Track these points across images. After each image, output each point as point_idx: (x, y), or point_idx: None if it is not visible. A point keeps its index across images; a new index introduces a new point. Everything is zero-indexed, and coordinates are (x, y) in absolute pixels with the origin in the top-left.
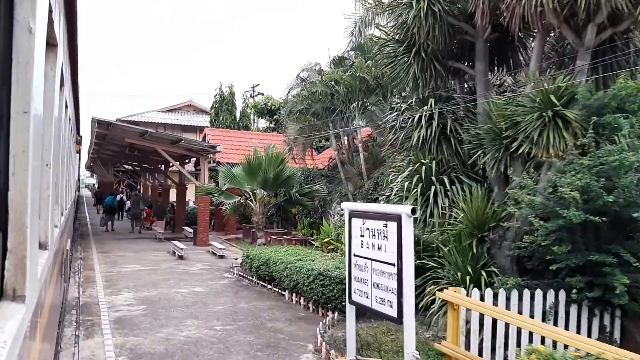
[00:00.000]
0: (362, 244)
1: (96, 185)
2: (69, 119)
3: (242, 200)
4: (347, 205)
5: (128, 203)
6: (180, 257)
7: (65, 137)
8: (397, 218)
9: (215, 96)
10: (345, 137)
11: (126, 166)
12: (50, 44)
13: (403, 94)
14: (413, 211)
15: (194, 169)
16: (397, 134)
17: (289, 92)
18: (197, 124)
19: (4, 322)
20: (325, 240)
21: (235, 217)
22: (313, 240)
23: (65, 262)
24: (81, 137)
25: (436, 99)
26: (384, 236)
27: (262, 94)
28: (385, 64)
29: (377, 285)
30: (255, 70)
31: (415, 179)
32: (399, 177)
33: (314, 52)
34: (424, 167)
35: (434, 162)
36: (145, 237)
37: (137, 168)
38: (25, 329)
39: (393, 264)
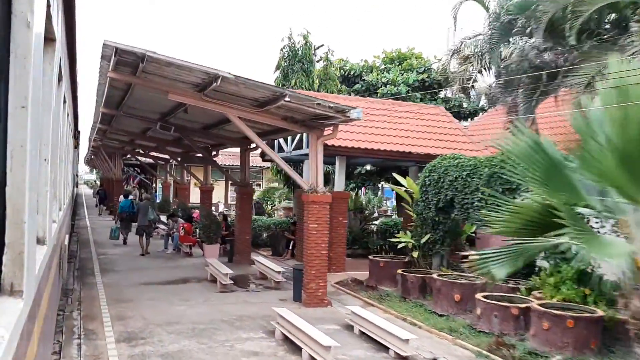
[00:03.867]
0: None
1: (98, 182)
2: (67, 114)
3: None
4: None
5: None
6: None
7: (64, 132)
8: None
9: (282, 49)
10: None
11: (141, 158)
12: (49, 39)
13: None
14: None
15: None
16: None
17: None
18: None
19: (2, 317)
20: None
21: (344, 237)
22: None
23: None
24: (79, 132)
25: None
26: None
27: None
28: None
29: None
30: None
31: None
32: None
33: None
34: None
35: None
36: (191, 274)
37: (159, 160)
38: (23, 323)
39: None
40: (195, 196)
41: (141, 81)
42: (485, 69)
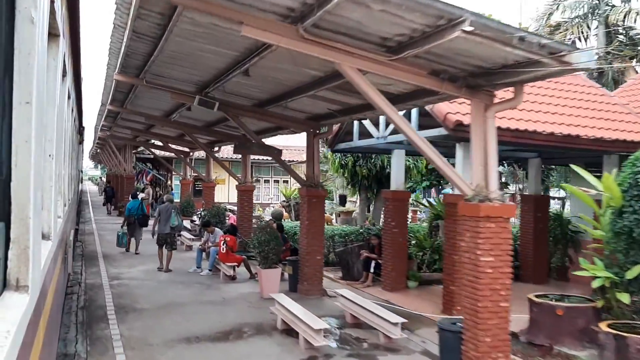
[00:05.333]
0: None
1: (104, 179)
2: (72, 110)
3: None
4: None
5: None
6: None
7: (68, 128)
8: None
9: None
10: None
11: (155, 150)
12: (52, 34)
13: None
14: None
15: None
16: None
17: None
18: None
19: (7, 312)
20: None
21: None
22: None
23: (68, 252)
24: (84, 127)
25: None
26: None
27: None
28: None
29: None
30: None
31: None
32: None
33: None
34: None
35: None
36: (249, 317)
37: (184, 153)
38: (29, 319)
39: None
40: (219, 196)
41: (195, 3)
42: (581, 39)
